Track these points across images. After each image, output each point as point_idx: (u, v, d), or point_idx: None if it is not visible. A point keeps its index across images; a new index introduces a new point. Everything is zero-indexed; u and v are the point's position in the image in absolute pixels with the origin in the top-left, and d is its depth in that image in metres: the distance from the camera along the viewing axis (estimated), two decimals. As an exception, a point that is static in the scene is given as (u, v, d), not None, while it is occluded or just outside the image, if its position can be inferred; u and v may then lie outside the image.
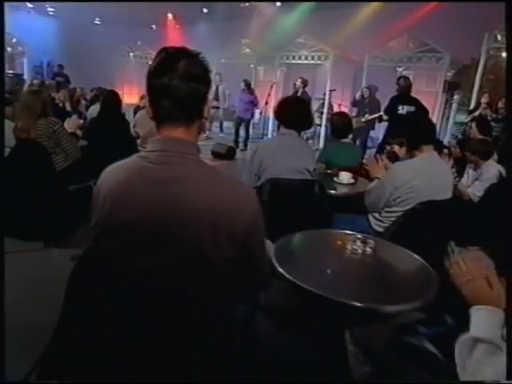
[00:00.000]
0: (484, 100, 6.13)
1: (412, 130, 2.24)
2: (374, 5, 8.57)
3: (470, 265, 1.16)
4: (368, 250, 1.61)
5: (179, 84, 1.06)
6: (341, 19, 8.74)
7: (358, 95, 7.98)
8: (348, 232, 1.75)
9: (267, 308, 2.34)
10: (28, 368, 1.35)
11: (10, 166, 3.26)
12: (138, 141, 4.61)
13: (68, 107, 4.78)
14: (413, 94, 5.98)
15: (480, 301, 1.09)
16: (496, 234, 1.77)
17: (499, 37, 7.03)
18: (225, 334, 1.27)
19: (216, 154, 7.12)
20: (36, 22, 11.48)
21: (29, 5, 11.00)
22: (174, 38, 12.30)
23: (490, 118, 5.74)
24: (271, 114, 9.18)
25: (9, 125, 3.33)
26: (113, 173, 1.17)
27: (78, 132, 3.97)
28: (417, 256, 1.56)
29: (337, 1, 8.38)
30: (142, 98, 5.91)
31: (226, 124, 10.11)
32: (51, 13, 11.65)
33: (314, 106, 9.15)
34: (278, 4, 9.77)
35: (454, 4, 7.32)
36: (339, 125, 3.30)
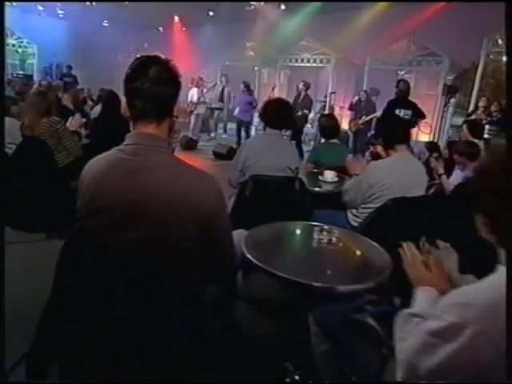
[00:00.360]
0: (482, 104, 6.22)
1: (386, 130, 2.37)
2: (376, 8, 8.69)
3: (413, 253, 1.32)
4: (333, 239, 1.76)
5: (150, 87, 1.24)
6: (343, 22, 8.88)
7: (354, 99, 8.12)
8: (316, 223, 1.89)
9: (251, 299, 2.52)
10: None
11: (15, 161, 3.46)
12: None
13: (72, 107, 4.98)
14: (415, 97, 6.04)
15: (420, 283, 1.25)
16: (457, 231, 1.90)
17: (500, 41, 7.11)
18: (193, 307, 1.43)
19: (217, 155, 7.31)
20: (46, 24, 11.77)
21: (39, 7, 11.30)
22: (180, 40, 12.51)
23: (485, 121, 5.83)
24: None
25: (16, 123, 3.53)
26: (95, 164, 1.36)
27: (82, 131, 4.15)
28: (375, 243, 1.71)
29: (341, 0, 8.49)
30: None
31: (229, 125, 10.28)
32: (61, 15, 11.95)
33: (316, 108, 9.29)
34: (282, 7, 9.93)
35: (454, 8, 7.42)
36: (327, 126, 3.44)
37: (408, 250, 1.34)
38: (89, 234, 1.32)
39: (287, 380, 1.84)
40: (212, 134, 9.43)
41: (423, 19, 7.93)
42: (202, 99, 9.10)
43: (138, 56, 1.35)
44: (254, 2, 9.77)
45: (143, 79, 1.24)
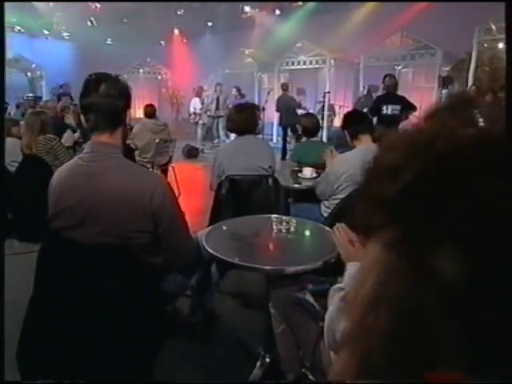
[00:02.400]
0: (472, 93, 6.23)
1: (348, 123, 2.50)
2: (366, 6, 8.78)
3: (340, 232, 1.43)
4: (291, 228, 1.89)
5: (101, 101, 1.41)
6: (335, 23, 9.00)
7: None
8: (276, 216, 2.03)
9: (232, 293, 2.66)
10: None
11: (18, 178, 3.71)
12: (137, 152, 5.01)
13: (73, 123, 5.25)
14: (413, 90, 5.99)
15: (349, 259, 1.36)
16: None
17: (493, 28, 7.07)
18: (156, 294, 1.59)
19: (218, 160, 7.47)
20: (53, 47, 12.25)
21: (45, 31, 11.80)
22: (181, 52, 12.81)
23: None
24: (275, 120, 9.50)
25: (17, 143, 3.78)
26: (60, 171, 1.57)
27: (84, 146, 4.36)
28: (328, 228, 1.83)
29: (339, 0, 8.63)
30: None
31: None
32: (67, 37, 12.44)
33: (316, 108, 9.40)
34: (277, 12, 10.12)
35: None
36: (308, 125, 3.57)
37: (337, 231, 1.46)
38: (56, 231, 1.50)
39: (258, 363, 1.96)
40: (215, 141, 9.62)
41: (413, 13, 7.97)
42: (204, 108, 9.31)
43: (91, 74, 1.53)
44: (248, 10, 9.98)
45: (95, 95, 1.42)
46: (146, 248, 1.50)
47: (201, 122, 9.33)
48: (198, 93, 9.25)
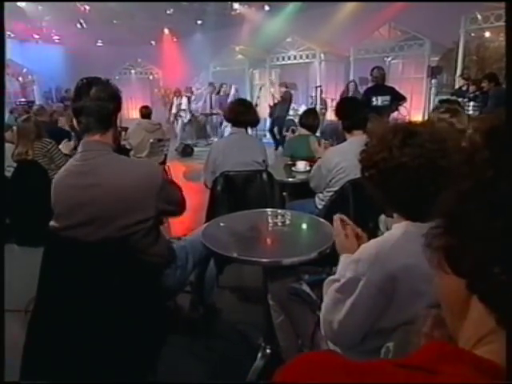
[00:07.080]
0: (460, 84, 6.35)
1: (344, 115, 2.52)
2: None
3: (336, 223, 1.48)
4: (287, 221, 1.94)
5: (91, 104, 1.46)
6: (324, 17, 9.01)
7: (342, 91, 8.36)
8: (271, 209, 2.07)
9: (231, 287, 2.71)
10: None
11: (14, 183, 3.73)
12: (132, 152, 5.03)
13: (66, 126, 5.25)
14: (403, 81, 6.00)
15: (342, 250, 1.41)
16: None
17: (479, 17, 7.13)
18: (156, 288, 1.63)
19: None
20: (43, 50, 12.19)
21: (35, 35, 11.73)
22: (172, 51, 12.77)
23: (467, 99, 5.91)
24: (267, 115, 9.52)
25: (11, 148, 3.80)
26: (59, 173, 1.63)
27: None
28: (322, 220, 1.88)
29: (326, 0, 8.67)
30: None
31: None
32: (57, 40, 12.37)
33: (308, 103, 9.43)
34: (266, 8, 10.11)
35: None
36: (308, 120, 3.64)
37: (335, 221, 1.50)
38: (57, 233, 1.55)
39: (259, 355, 2.01)
40: (211, 139, 9.64)
41: (401, 5, 7.96)
42: (183, 106, 9.44)
43: (82, 78, 1.57)
44: (237, 6, 9.96)
45: (85, 99, 1.47)
46: (144, 239, 1.56)
47: (181, 119, 9.50)
48: (175, 93, 9.63)
